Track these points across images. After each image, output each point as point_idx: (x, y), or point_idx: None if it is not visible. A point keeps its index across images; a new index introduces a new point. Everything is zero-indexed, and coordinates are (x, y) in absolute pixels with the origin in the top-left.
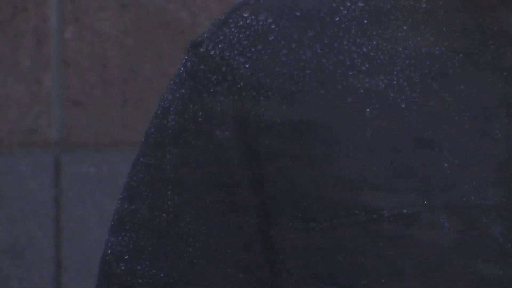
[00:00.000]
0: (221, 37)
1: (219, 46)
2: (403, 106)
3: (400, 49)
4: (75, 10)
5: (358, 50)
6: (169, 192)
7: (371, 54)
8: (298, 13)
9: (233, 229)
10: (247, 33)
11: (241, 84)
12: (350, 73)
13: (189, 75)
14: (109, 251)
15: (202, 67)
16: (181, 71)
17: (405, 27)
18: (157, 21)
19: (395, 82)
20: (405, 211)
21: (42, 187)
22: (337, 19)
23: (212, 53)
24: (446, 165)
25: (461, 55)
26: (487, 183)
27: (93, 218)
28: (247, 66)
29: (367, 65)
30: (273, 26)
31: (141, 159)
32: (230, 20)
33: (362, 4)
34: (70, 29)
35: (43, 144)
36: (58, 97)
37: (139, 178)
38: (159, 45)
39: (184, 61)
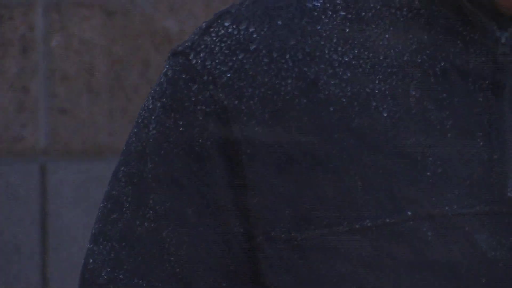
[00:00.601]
0: (203, 46)
1: (201, 55)
2: (385, 115)
3: (382, 58)
4: (61, 18)
5: (340, 58)
6: (151, 201)
7: (353, 62)
8: (279, 22)
9: (216, 238)
10: (229, 42)
11: (223, 93)
12: (332, 82)
13: (170, 84)
14: (90, 260)
15: (183, 75)
16: (162, 80)
17: (386, 36)
18: (143, 29)
19: (377, 91)
20: (388, 221)
21: (29, 194)
22: (318, 27)
23: (193, 62)
24: (428, 173)
25: (442, 64)
26: (469, 191)
27: (79, 226)
28: (228, 75)
29: (349, 74)
30: (254, 35)
31: (122, 168)
32: (211, 29)
33: (343, 13)
34: (56, 37)
35: (29, 151)
36: (44, 105)
37: (120, 186)
38: (145, 53)
39: (165, 69)
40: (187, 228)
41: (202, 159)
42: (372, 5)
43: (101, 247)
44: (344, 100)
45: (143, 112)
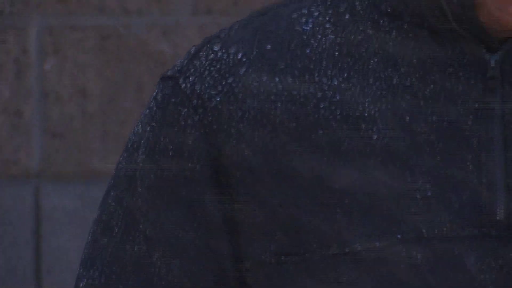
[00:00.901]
0: (192, 70)
1: (190, 79)
2: (375, 137)
3: (371, 81)
4: (55, 41)
5: (329, 82)
6: (141, 225)
7: (343, 86)
8: (268, 46)
9: (206, 261)
10: (218, 66)
11: (212, 117)
12: (322, 105)
13: (159, 108)
14: (81, 284)
15: (172, 100)
16: (151, 104)
17: (375, 59)
18: (137, 52)
19: (366, 114)
20: (378, 244)
21: (22, 217)
22: (308, 51)
23: (183, 86)
24: (418, 197)
25: (432, 87)
26: (459, 214)
27: (72, 249)
28: (218, 99)
29: (338, 97)
30: (244, 59)
31: (112, 192)
32: (201, 53)
33: (332, 37)
34: (50, 60)
35: (23, 174)
36: (38, 128)
37: (110, 211)
38: (139, 77)
39: (154, 94)
40: (178, 252)
41: (192, 183)
42: (361, 28)
43: (91, 271)
44: (333, 123)
45: (133, 136)
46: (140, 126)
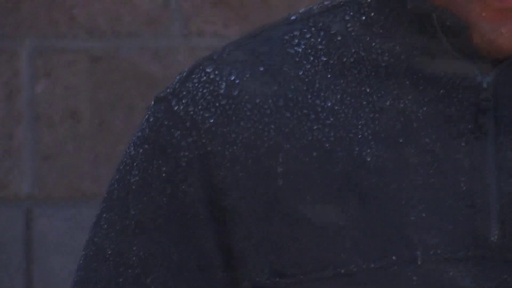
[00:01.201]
0: (185, 92)
1: (183, 101)
2: (369, 159)
3: (364, 103)
4: (46, 64)
5: (323, 104)
6: (134, 248)
7: (336, 107)
8: (261, 68)
9: (201, 282)
10: (211, 88)
11: (206, 139)
12: (315, 127)
13: (152, 131)
14: None
15: (165, 122)
16: (144, 126)
17: (368, 81)
18: (128, 74)
19: (360, 136)
20: (373, 265)
21: (14, 240)
22: (300, 73)
23: (175, 108)
24: (412, 218)
25: (425, 108)
26: (453, 236)
27: (64, 272)
28: (211, 121)
29: (331, 119)
30: (237, 81)
31: (104, 215)
32: (193, 75)
33: (325, 58)
34: (42, 83)
35: (14, 197)
36: (29, 151)
37: (102, 233)
38: (130, 99)
39: (147, 116)
40: (172, 274)
41: (185, 205)
42: (353, 50)
43: None
44: (327, 145)
45: (125, 159)
46: (132, 148)
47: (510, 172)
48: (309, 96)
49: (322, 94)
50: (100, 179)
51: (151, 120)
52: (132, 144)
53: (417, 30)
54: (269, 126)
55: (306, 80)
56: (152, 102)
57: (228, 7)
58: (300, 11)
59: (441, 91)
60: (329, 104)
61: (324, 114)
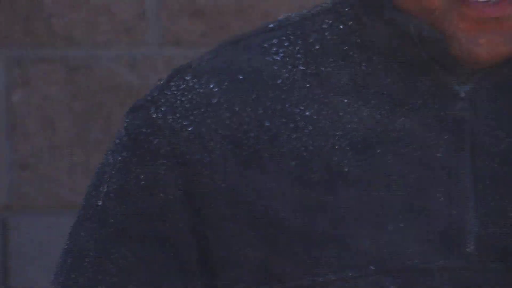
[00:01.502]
0: (163, 100)
1: (161, 109)
2: (346, 170)
3: (342, 113)
4: (22, 73)
5: (302, 113)
6: (113, 256)
7: (314, 117)
8: (240, 76)
9: None
10: (190, 96)
11: (185, 147)
12: (294, 136)
13: (130, 139)
14: None
15: (144, 130)
16: (122, 134)
17: (345, 91)
18: (105, 84)
19: (337, 146)
20: (351, 275)
21: None
22: (279, 81)
23: (154, 116)
24: (390, 228)
25: (402, 118)
26: (431, 246)
27: (42, 282)
28: (190, 129)
29: (310, 128)
30: (215, 89)
31: (82, 223)
32: (172, 83)
33: (303, 68)
34: (18, 92)
35: None
36: (6, 161)
37: (81, 242)
38: (108, 109)
39: (125, 124)
40: (151, 282)
41: (164, 213)
42: (331, 59)
43: None
44: (305, 154)
45: (103, 167)
46: (110, 156)
47: (486, 182)
48: (288, 105)
49: (301, 103)
50: (77, 189)
51: (129, 128)
52: (110, 152)
53: (394, 40)
54: (248, 134)
55: (285, 88)
56: (130, 110)
57: (205, 16)
58: (279, 18)
59: (419, 101)
60: (307, 114)
61: (303, 123)
